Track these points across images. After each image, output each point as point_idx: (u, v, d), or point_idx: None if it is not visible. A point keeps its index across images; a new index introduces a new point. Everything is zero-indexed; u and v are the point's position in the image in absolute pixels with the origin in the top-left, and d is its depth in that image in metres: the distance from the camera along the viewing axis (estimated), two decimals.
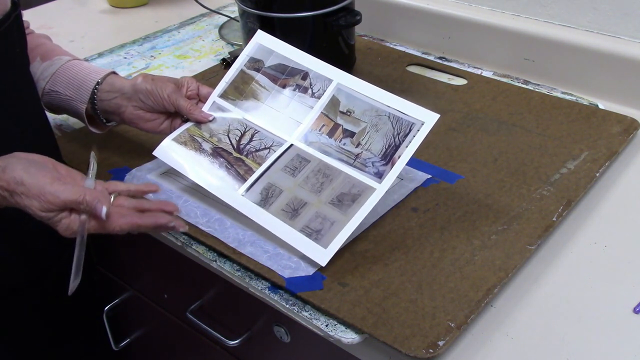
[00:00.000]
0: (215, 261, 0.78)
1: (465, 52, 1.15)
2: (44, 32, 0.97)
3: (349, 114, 0.82)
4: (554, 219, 0.80)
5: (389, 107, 0.80)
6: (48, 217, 0.67)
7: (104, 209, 0.68)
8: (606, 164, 0.88)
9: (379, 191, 0.76)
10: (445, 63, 1.15)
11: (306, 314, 0.71)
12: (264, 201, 0.79)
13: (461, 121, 0.99)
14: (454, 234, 0.78)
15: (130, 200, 0.72)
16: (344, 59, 1.09)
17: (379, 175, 0.77)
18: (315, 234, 0.75)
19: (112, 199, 0.71)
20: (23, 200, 0.67)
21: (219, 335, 0.90)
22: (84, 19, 1.43)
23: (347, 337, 0.68)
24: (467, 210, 0.82)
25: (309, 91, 0.85)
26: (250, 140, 0.84)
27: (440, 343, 0.65)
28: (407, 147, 0.77)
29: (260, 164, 0.82)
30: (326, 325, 0.69)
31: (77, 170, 0.73)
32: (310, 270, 0.74)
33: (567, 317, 0.70)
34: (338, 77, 0.84)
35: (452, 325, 0.67)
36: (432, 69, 1.14)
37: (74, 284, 0.67)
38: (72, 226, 0.68)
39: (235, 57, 1.16)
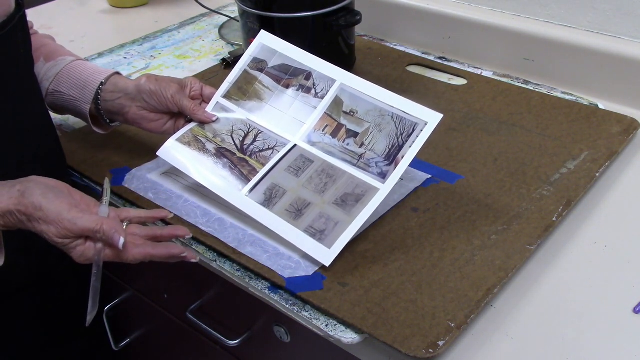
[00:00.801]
0: (215, 261, 0.78)
1: (465, 52, 1.15)
2: (43, 32, 0.97)
3: (352, 114, 0.82)
4: (554, 219, 0.80)
5: (392, 107, 0.80)
6: (63, 244, 0.68)
7: (122, 240, 0.68)
8: (606, 164, 0.88)
9: (382, 191, 0.76)
10: (445, 63, 1.15)
11: (306, 314, 0.71)
12: (268, 201, 0.79)
13: (461, 121, 0.99)
14: (454, 234, 0.78)
15: (142, 229, 0.72)
16: (344, 59, 1.09)
17: (383, 176, 0.77)
18: (319, 234, 0.75)
19: (125, 225, 0.72)
20: (40, 226, 0.67)
21: (219, 335, 0.90)
22: (84, 19, 1.43)
23: (347, 337, 0.68)
24: (467, 210, 0.82)
25: (313, 91, 0.85)
26: (254, 140, 0.84)
27: (440, 343, 0.65)
28: (410, 147, 0.77)
29: (264, 165, 0.82)
30: (326, 325, 0.69)
31: (90, 197, 0.73)
32: (310, 270, 0.74)
33: (567, 317, 0.70)
34: (341, 77, 0.84)
35: (452, 325, 0.67)
36: (432, 69, 1.14)
37: (91, 315, 0.69)
38: (86, 253, 0.69)
39: (235, 57, 1.17)
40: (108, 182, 0.77)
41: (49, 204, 0.67)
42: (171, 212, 0.79)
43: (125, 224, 0.72)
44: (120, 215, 0.72)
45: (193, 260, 0.73)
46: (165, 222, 0.82)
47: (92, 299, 0.69)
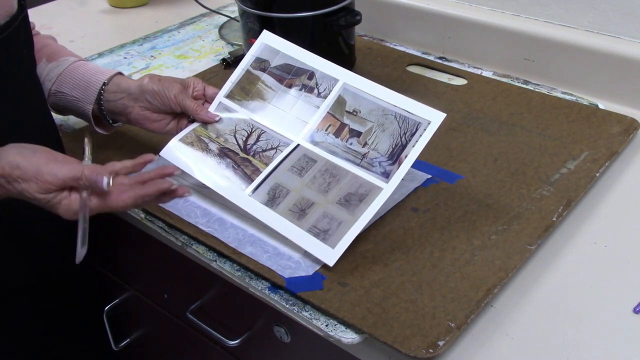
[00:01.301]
0: (215, 261, 0.78)
1: (465, 52, 1.15)
2: (43, 32, 0.97)
3: (355, 113, 0.82)
4: (554, 219, 0.80)
5: (395, 106, 0.80)
6: (47, 200, 0.66)
7: (105, 179, 0.66)
8: (606, 164, 0.88)
9: (386, 191, 0.76)
10: (445, 63, 1.15)
11: (306, 314, 0.71)
12: (271, 201, 0.79)
13: (461, 121, 0.99)
14: (454, 234, 0.78)
15: (129, 177, 0.70)
16: (344, 59, 1.09)
17: (386, 175, 0.77)
18: (323, 234, 0.75)
19: (111, 180, 0.68)
20: (20, 185, 0.65)
21: (219, 335, 0.90)
22: (84, 19, 1.43)
23: (347, 337, 0.68)
24: (467, 210, 0.82)
25: (315, 91, 0.85)
26: (257, 140, 0.84)
27: (440, 343, 0.65)
28: (413, 146, 0.77)
29: (267, 164, 0.82)
30: (326, 325, 0.69)
31: (74, 158, 0.71)
32: (310, 270, 0.74)
33: (567, 317, 0.70)
34: (344, 76, 0.84)
35: (452, 325, 0.67)
36: (432, 69, 1.14)
37: (81, 251, 0.66)
38: (73, 207, 0.67)
39: (235, 57, 1.17)
40: (89, 140, 0.74)
41: (26, 160, 0.65)
42: (156, 155, 0.75)
43: (111, 177, 0.69)
44: (106, 169, 0.69)
45: (185, 195, 0.71)
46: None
47: (81, 238, 0.66)
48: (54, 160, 0.67)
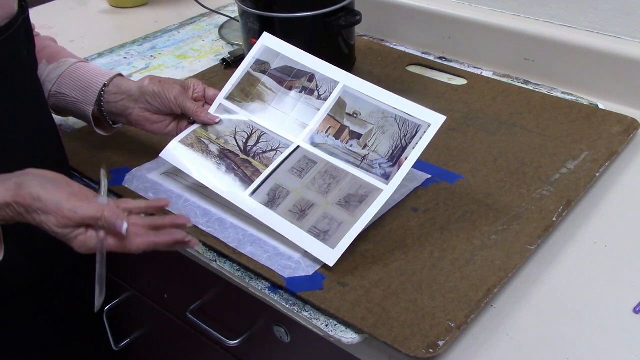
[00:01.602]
0: (215, 261, 0.78)
1: (465, 52, 1.15)
2: (44, 32, 0.97)
3: (355, 115, 0.82)
4: (554, 219, 0.80)
5: (395, 109, 0.80)
6: (64, 234, 0.67)
7: (125, 225, 0.68)
8: (606, 164, 0.88)
9: (386, 192, 0.76)
10: (445, 63, 1.15)
11: (306, 314, 0.71)
12: (272, 202, 0.79)
13: (461, 121, 0.99)
14: (454, 234, 0.78)
15: (143, 219, 0.72)
16: (344, 59, 1.09)
17: (386, 177, 0.77)
18: (323, 234, 0.75)
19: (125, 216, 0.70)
20: (40, 217, 0.66)
21: (219, 335, 0.90)
22: (84, 19, 1.43)
23: (347, 337, 0.68)
24: (467, 210, 0.82)
25: (316, 93, 0.85)
26: (257, 142, 0.84)
27: (440, 343, 0.65)
28: (413, 148, 0.77)
29: (267, 166, 0.82)
30: (326, 325, 0.69)
31: (88, 188, 0.72)
32: (310, 270, 0.74)
33: (567, 317, 0.70)
34: (344, 79, 0.84)
35: (452, 325, 0.67)
36: (432, 69, 1.14)
37: (99, 301, 0.68)
38: (88, 243, 0.68)
39: (235, 57, 1.17)
40: (104, 174, 0.76)
41: (47, 194, 0.66)
42: (170, 202, 0.77)
43: (125, 215, 0.70)
44: (119, 206, 0.71)
45: (195, 247, 0.73)
46: (164, 212, 0.82)
47: (99, 285, 0.68)
48: (75, 196, 0.68)
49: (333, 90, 0.84)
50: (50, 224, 0.66)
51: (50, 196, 0.66)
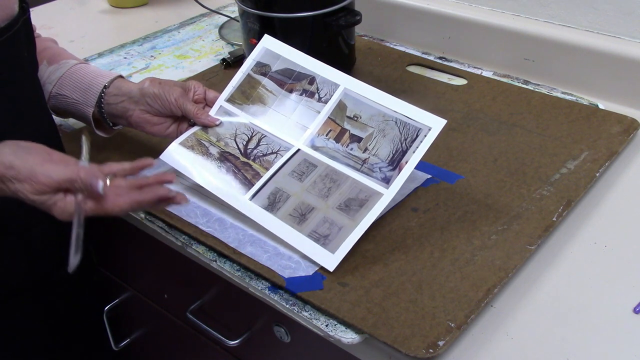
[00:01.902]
0: (215, 261, 0.78)
1: (465, 52, 1.15)
2: (44, 32, 0.97)
3: (356, 119, 0.82)
4: (554, 219, 0.80)
5: (396, 112, 0.80)
6: (41, 201, 0.65)
7: (100, 183, 0.64)
8: (606, 164, 0.88)
9: (386, 196, 0.76)
10: (445, 63, 1.15)
11: (306, 314, 0.71)
12: (272, 206, 0.79)
13: (461, 121, 0.99)
14: (454, 234, 0.78)
15: (127, 180, 0.69)
16: (344, 59, 1.09)
17: (387, 181, 0.77)
18: (323, 239, 0.75)
19: (108, 181, 0.67)
20: (14, 185, 0.64)
21: (219, 335, 0.90)
22: (84, 19, 1.43)
23: (347, 337, 0.68)
24: (467, 210, 0.82)
25: (316, 96, 0.85)
26: (257, 144, 0.84)
27: (440, 343, 0.65)
28: (414, 152, 0.77)
29: (267, 169, 0.82)
30: (326, 325, 0.69)
31: (71, 157, 0.70)
32: (310, 270, 0.74)
33: (567, 317, 0.70)
34: (345, 82, 0.84)
35: (452, 325, 0.67)
36: (432, 69, 1.14)
37: (74, 259, 0.64)
38: (67, 208, 0.65)
39: (235, 57, 1.17)
40: (86, 139, 0.73)
41: (20, 160, 0.64)
42: (156, 158, 0.73)
43: (108, 178, 0.68)
44: (103, 170, 0.68)
45: (183, 203, 0.69)
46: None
47: (75, 245, 0.64)
48: (49, 160, 0.66)
49: (334, 93, 0.84)
50: (26, 191, 0.64)
51: (23, 162, 0.64)
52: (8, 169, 0.64)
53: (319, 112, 0.84)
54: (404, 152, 0.78)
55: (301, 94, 0.86)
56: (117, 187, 0.68)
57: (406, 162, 0.77)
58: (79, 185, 0.65)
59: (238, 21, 1.11)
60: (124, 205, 0.67)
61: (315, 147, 0.82)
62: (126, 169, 0.70)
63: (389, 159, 0.78)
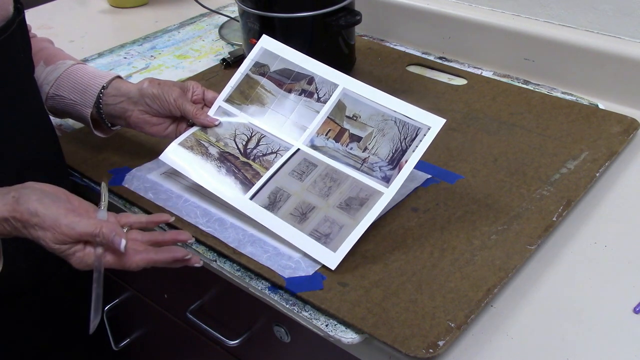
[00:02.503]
0: (215, 261, 0.78)
1: (465, 52, 1.15)
2: (43, 32, 0.97)
3: (355, 118, 0.82)
4: (554, 219, 0.80)
5: (395, 111, 0.80)
6: (61, 250, 0.66)
7: (123, 242, 0.66)
8: (606, 164, 0.88)
9: (386, 195, 0.76)
10: (445, 63, 1.15)
11: (306, 314, 0.71)
12: (272, 205, 0.79)
13: (461, 121, 0.99)
14: (454, 234, 0.78)
15: (143, 234, 0.71)
16: (344, 59, 1.09)
17: (387, 180, 0.77)
18: (325, 237, 0.75)
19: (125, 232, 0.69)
20: (37, 232, 0.65)
21: (219, 335, 0.90)
22: (84, 19, 1.43)
23: (347, 337, 0.68)
24: (467, 210, 0.82)
25: (315, 96, 0.85)
26: (257, 144, 0.84)
27: (440, 343, 0.65)
28: (414, 151, 0.77)
29: (267, 168, 0.82)
30: (326, 325, 0.69)
31: (89, 202, 0.72)
32: (310, 270, 0.74)
33: (567, 317, 0.70)
34: (344, 81, 0.84)
35: (452, 325, 0.67)
36: (432, 69, 1.14)
37: (94, 322, 0.67)
38: (85, 259, 0.67)
39: (235, 57, 1.17)
40: (105, 186, 0.75)
41: (45, 209, 0.65)
42: (172, 215, 0.77)
43: (125, 230, 0.70)
44: (120, 221, 0.70)
45: (197, 265, 0.71)
46: (168, 225, 0.81)
47: (94, 306, 0.67)
48: (72, 211, 0.67)
49: (333, 92, 0.84)
50: (48, 239, 0.65)
51: (48, 212, 0.65)
52: (33, 216, 0.65)
53: (318, 112, 0.84)
54: (404, 151, 0.78)
55: (300, 94, 0.86)
56: (134, 242, 0.70)
57: (406, 161, 0.77)
58: (100, 240, 0.67)
59: (238, 21, 1.11)
60: (140, 263, 0.69)
61: (315, 147, 0.82)
62: (142, 222, 0.72)
63: (389, 158, 0.78)
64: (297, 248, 0.76)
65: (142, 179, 0.89)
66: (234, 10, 1.35)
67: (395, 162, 0.78)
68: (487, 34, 1.12)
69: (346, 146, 0.81)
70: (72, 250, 0.67)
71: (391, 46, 1.22)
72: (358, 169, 0.79)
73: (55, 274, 0.91)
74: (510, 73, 1.11)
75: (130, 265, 0.68)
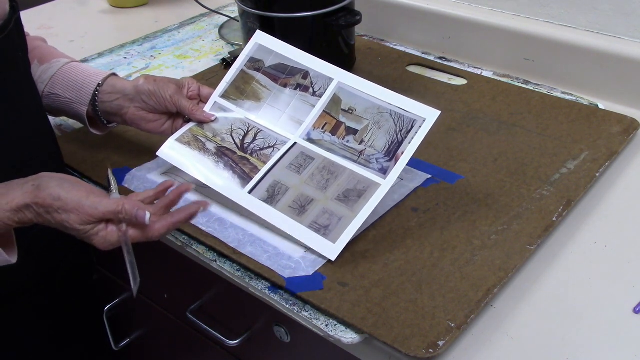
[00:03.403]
0: (215, 261, 0.78)
1: (465, 52, 1.15)
2: (43, 32, 0.97)
3: (350, 112, 0.82)
4: (554, 219, 0.80)
5: (390, 104, 0.80)
6: (85, 231, 0.68)
7: (147, 214, 0.68)
8: (606, 164, 0.88)
9: (384, 186, 0.76)
10: (445, 63, 1.15)
11: (306, 314, 0.71)
12: (271, 199, 0.79)
13: (461, 121, 0.99)
14: (454, 234, 0.78)
15: (153, 206, 0.72)
16: (344, 59, 1.09)
17: (384, 171, 0.77)
18: (324, 229, 0.75)
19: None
20: (60, 215, 0.67)
21: (219, 335, 0.90)
22: (84, 19, 1.43)
23: (347, 337, 0.68)
24: (467, 210, 0.82)
25: (310, 90, 0.85)
26: (254, 139, 0.85)
27: (440, 343, 0.65)
28: (410, 143, 0.77)
29: (265, 163, 0.82)
30: (326, 325, 0.69)
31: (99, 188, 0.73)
32: (310, 270, 0.74)
33: (567, 317, 0.70)
34: (339, 75, 0.84)
35: (452, 325, 0.67)
36: (432, 69, 1.14)
37: (135, 286, 0.70)
38: (109, 238, 0.69)
39: (236, 57, 1.16)
40: (111, 173, 0.77)
41: (67, 193, 0.67)
42: (174, 181, 0.77)
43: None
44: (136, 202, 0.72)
45: (208, 207, 0.75)
46: None
47: (132, 274, 0.70)
48: (93, 193, 0.69)
49: (328, 86, 0.84)
50: (72, 221, 0.67)
51: (70, 195, 0.67)
52: (56, 200, 0.67)
53: (314, 106, 0.84)
54: (400, 143, 0.78)
55: (295, 89, 0.86)
56: (153, 215, 0.71)
57: (402, 153, 0.77)
58: (122, 217, 0.68)
59: (238, 21, 1.11)
60: (163, 230, 0.71)
61: (311, 140, 0.83)
62: (151, 196, 0.74)
63: (385, 150, 0.79)
64: (297, 247, 0.76)
65: (142, 179, 0.89)
66: (234, 10, 1.35)
67: (392, 153, 0.78)
68: (487, 34, 1.12)
69: (342, 139, 0.81)
70: (95, 230, 0.68)
71: (391, 46, 1.22)
72: (355, 162, 0.79)
73: (54, 273, 0.91)
74: (510, 73, 1.11)
75: (153, 234, 0.70)
